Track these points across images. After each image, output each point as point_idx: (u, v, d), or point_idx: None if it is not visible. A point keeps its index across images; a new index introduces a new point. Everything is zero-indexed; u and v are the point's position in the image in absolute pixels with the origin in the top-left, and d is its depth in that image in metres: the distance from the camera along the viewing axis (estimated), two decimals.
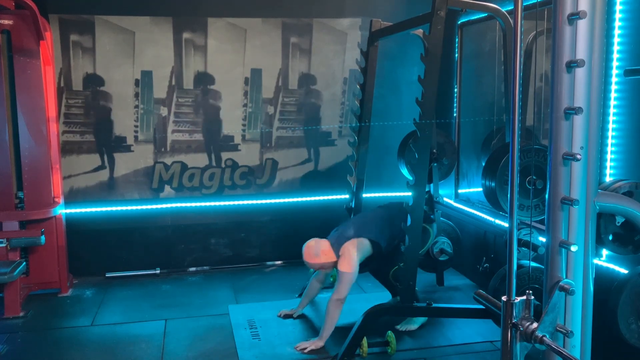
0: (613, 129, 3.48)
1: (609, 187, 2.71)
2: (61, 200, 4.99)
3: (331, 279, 5.16)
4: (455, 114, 5.55)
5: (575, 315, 2.07)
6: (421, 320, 4.21)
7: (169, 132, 5.49)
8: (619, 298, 2.85)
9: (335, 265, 3.98)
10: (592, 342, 2.17)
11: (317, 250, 4.01)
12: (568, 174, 2.01)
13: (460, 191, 5.54)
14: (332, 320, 3.84)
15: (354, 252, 3.91)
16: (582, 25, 1.93)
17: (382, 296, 4.61)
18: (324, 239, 4.09)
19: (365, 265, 4.06)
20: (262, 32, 5.54)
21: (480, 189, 3.93)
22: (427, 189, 4.20)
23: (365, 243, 3.99)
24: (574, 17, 1.91)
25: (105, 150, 5.38)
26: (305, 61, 5.69)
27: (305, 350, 3.81)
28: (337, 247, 3.99)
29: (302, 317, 4.42)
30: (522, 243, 3.75)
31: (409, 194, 3.86)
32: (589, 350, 2.16)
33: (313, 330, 4.18)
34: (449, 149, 5.00)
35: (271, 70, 5.62)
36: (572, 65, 1.93)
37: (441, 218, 4.99)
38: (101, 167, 5.40)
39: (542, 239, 3.66)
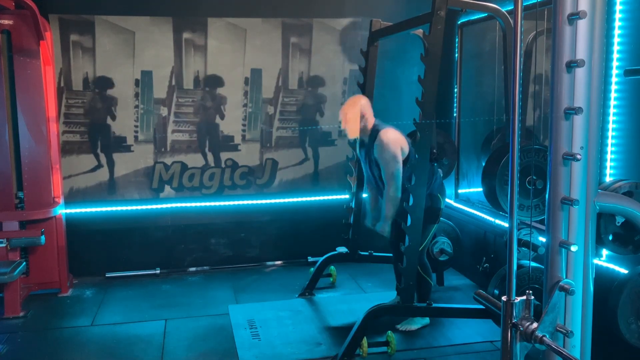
0: (613, 129, 3.48)
1: (609, 187, 2.71)
2: (61, 200, 4.99)
3: (331, 280, 5.18)
4: (455, 114, 5.55)
5: (575, 315, 2.07)
6: (422, 321, 4.19)
7: (169, 132, 5.49)
8: (619, 298, 2.85)
9: (366, 132, 3.97)
10: (592, 342, 2.17)
11: (363, 107, 3.97)
12: (568, 174, 2.00)
13: (460, 191, 5.54)
14: (392, 205, 3.86)
15: (394, 142, 3.86)
16: (582, 25, 1.93)
17: (382, 296, 4.62)
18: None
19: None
20: (262, 32, 5.54)
21: (480, 189, 3.93)
22: (441, 174, 4.19)
23: (403, 137, 3.95)
24: (574, 17, 1.91)
25: (105, 150, 5.38)
26: (305, 61, 5.69)
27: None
28: (372, 123, 3.98)
29: (301, 317, 4.42)
30: (522, 243, 3.75)
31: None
32: (589, 350, 2.16)
33: (313, 330, 4.18)
34: (449, 149, 5.00)
35: (271, 70, 5.62)
36: (572, 65, 1.93)
37: (441, 218, 4.98)
38: (101, 167, 5.40)
39: (542, 239, 3.67)
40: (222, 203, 5.67)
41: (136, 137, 5.43)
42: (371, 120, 4.00)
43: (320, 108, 5.78)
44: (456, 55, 5.49)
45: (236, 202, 5.70)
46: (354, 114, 3.94)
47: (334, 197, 5.78)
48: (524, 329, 1.83)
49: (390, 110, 5.78)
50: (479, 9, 4.17)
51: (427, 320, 4.21)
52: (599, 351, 2.60)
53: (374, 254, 5.03)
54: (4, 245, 4.48)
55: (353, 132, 3.98)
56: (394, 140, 3.86)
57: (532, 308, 1.86)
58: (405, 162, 3.90)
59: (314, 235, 5.71)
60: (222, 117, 5.58)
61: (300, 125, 5.74)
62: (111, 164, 5.40)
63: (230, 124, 5.60)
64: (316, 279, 4.93)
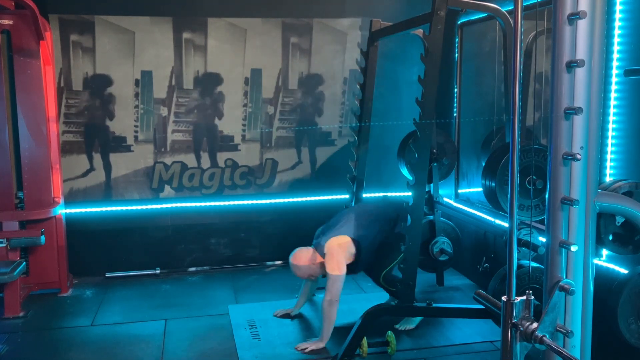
0: (613, 129, 3.48)
1: (609, 187, 2.71)
2: (61, 200, 4.99)
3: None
4: (455, 114, 5.55)
5: (575, 315, 2.07)
6: (418, 318, 4.21)
7: (169, 132, 5.49)
8: (619, 298, 2.85)
9: (323, 267, 3.97)
10: (592, 342, 2.17)
11: (302, 258, 4.02)
12: (568, 174, 2.00)
13: (460, 191, 5.53)
14: (329, 321, 3.84)
15: (338, 251, 3.89)
16: (582, 25, 1.93)
17: (382, 296, 4.61)
18: (308, 247, 4.09)
19: (354, 264, 4.02)
20: (262, 32, 5.54)
21: (480, 189, 3.93)
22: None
23: (347, 240, 3.96)
24: (574, 17, 1.91)
25: (105, 150, 5.38)
26: (305, 61, 5.69)
27: (306, 351, 3.80)
28: (320, 248, 3.99)
29: (301, 316, 4.42)
30: (522, 243, 3.75)
31: (409, 194, 3.86)
32: (589, 350, 2.16)
33: (313, 329, 4.18)
34: (449, 149, 5.00)
35: (271, 70, 5.62)
36: (572, 65, 1.93)
37: (441, 218, 4.98)
38: (101, 167, 5.40)
39: (542, 239, 3.66)
40: (222, 203, 5.67)
41: (136, 137, 5.43)
42: (311, 252, 4.04)
43: (320, 108, 5.78)
44: (456, 55, 5.48)
45: (236, 202, 5.70)
46: (302, 266, 4.03)
47: (334, 197, 5.78)
48: (524, 329, 1.83)
49: (390, 110, 5.78)
50: (479, 9, 4.17)
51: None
52: (599, 351, 2.60)
53: None
54: (4, 245, 4.48)
55: (318, 272, 4.05)
56: (339, 255, 3.89)
57: (532, 308, 1.86)
58: (362, 252, 3.98)
59: (314, 235, 5.70)
60: (222, 117, 5.58)
61: (300, 125, 5.74)
62: (112, 164, 5.40)
63: (230, 124, 5.60)
64: None
